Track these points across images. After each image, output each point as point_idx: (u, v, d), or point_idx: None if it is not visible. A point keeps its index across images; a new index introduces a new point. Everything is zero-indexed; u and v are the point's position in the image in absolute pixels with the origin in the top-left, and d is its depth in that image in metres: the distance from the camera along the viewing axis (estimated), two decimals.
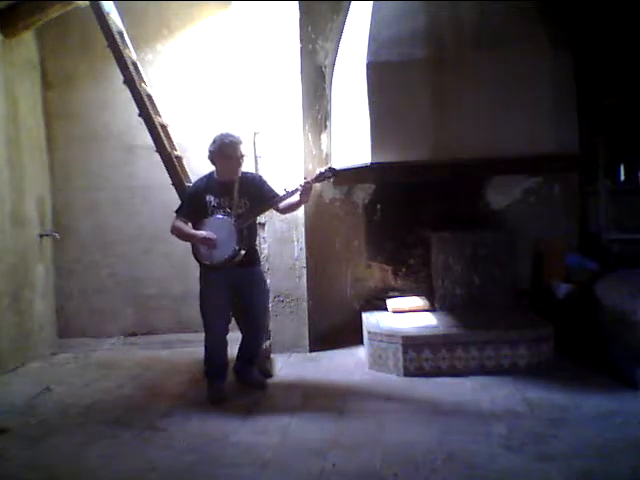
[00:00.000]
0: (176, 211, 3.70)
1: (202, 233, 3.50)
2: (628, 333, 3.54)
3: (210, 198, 3.58)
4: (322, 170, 3.54)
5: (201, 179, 3.70)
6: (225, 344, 3.68)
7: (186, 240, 3.63)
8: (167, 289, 5.18)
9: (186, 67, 5.09)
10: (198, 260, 3.62)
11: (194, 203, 3.62)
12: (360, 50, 4.15)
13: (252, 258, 3.69)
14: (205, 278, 3.64)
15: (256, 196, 3.63)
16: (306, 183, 3.50)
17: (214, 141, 3.59)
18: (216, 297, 3.60)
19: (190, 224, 3.61)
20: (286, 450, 2.86)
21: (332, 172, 3.50)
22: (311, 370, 4.12)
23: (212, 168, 3.68)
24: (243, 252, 3.51)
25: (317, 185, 4.51)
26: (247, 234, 3.55)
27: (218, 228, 3.50)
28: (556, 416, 3.10)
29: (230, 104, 4.84)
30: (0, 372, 4.27)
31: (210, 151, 3.60)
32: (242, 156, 3.62)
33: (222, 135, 3.60)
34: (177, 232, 3.61)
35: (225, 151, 3.55)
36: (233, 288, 3.63)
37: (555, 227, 4.76)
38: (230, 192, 3.58)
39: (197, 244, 3.55)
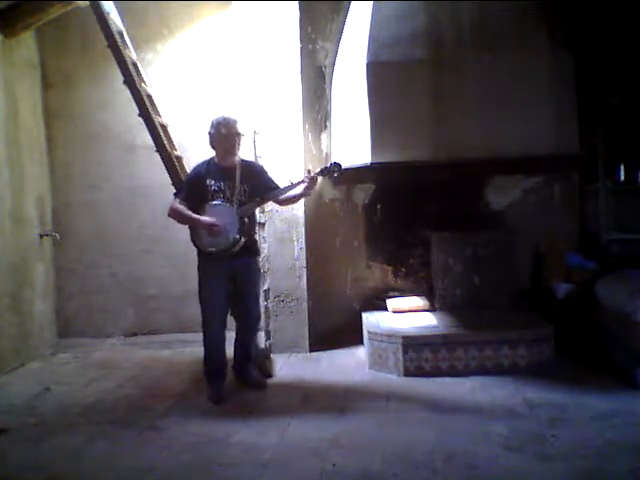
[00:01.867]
0: (175, 194, 3.68)
1: (207, 219, 3.47)
2: (628, 333, 3.54)
3: (211, 182, 3.57)
4: (327, 165, 3.57)
5: (201, 164, 3.69)
6: (223, 337, 3.68)
7: (187, 224, 3.60)
8: (167, 289, 5.18)
9: (186, 67, 5.09)
10: (197, 246, 3.60)
11: (194, 187, 3.60)
12: (360, 50, 4.15)
13: (251, 248, 3.69)
14: (204, 268, 3.62)
15: (257, 184, 3.64)
16: (311, 176, 3.52)
17: (211, 124, 3.63)
18: (214, 287, 3.58)
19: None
20: (286, 450, 2.86)
21: (337, 167, 3.52)
22: (311, 370, 4.12)
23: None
24: (243, 241, 3.52)
25: (317, 184, 4.53)
26: (248, 223, 3.56)
27: (219, 215, 3.48)
28: (556, 416, 3.10)
29: (230, 104, 4.82)
30: (0, 372, 4.27)
31: (209, 134, 3.62)
32: (239, 134, 3.62)
33: (217, 117, 3.64)
34: (177, 215, 3.58)
35: (221, 129, 3.57)
36: (230, 278, 3.62)
37: (555, 227, 4.76)
38: (231, 177, 3.57)
39: (200, 229, 3.52)
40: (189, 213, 3.54)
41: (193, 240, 3.61)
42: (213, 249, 3.52)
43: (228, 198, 3.55)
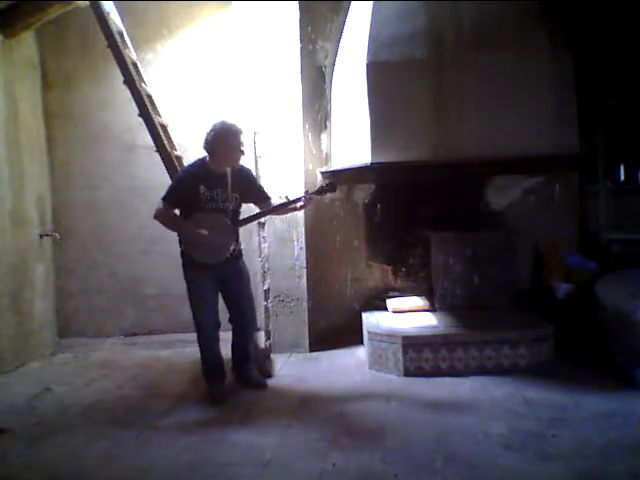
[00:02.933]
0: (164, 197, 3.52)
1: (199, 232, 3.41)
2: (628, 333, 3.54)
3: (203, 189, 3.47)
4: (323, 185, 3.58)
5: (193, 166, 3.58)
6: (217, 338, 3.67)
7: (175, 230, 3.53)
8: (167, 289, 5.17)
9: (186, 67, 5.09)
10: (187, 254, 3.52)
11: (186, 191, 3.48)
12: (360, 50, 4.15)
13: (238, 251, 3.68)
14: (192, 275, 3.56)
15: (247, 191, 3.62)
16: (309, 197, 3.54)
17: (213, 130, 3.48)
18: (205, 292, 3.56)
19: (177, 212, 3.55)
20: (286, 450, 2.86)
21: (332, 187, 3.55)
22: (311, 370, 4.12)
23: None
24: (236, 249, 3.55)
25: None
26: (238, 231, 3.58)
27: (213, 224, 3.43)
28: (556, 416, 3.10)
29: (230, 104, 4.84)
30: (0, 372, 4.27)
31: (209, 141, 3.48)
32: (244, 144, 3.57)
33: (222, 124, 3.50)
34: (167, 220, 3.49)
35: (230, 141, 3.46)
36: (219, 282, 3.61)
37: (555, 227, 4.76)
38: (223, 184, 3.51)
39: (193, 240, 3.44)
40: (182, 223, 3.49)
41: (184, 249, 3.54)
42: (211, 261, 3.48)
43: (219, 206, 3.50)
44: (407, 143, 4.04)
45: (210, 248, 3.45)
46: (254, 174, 3.81)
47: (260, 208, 3.71)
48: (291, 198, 3.59)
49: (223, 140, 3.47)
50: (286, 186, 4.30)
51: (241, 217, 3.64)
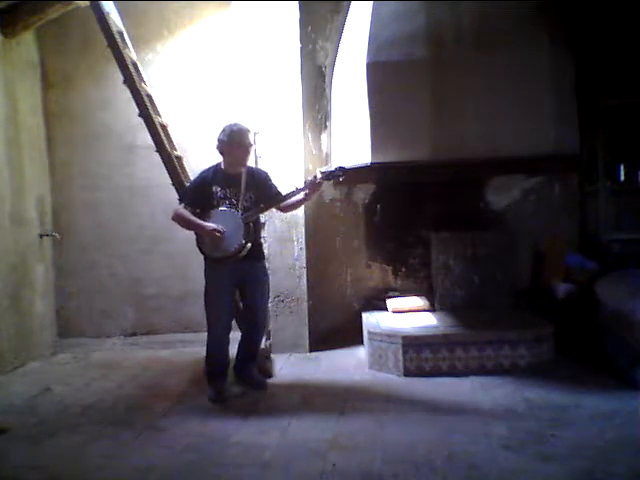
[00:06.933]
0: (180, 199, 3.70)
1: (211, 225, 3.48)
2: (628, 333, 3.54)
3: (216, 189, 3.57)
4: (332, 169, 3.51)
5: (207, 170, 3.68)
6: (227, 341, 3.68)
7: (190, 229, 3.61)
8: (167, 289, 5.18)
9: (186, 67, 5.09)
10: (202, 252, 3.61)
11: (200, 193, 3.60)
12: (360, 50, 4.15)
13: (257, 252, 3.69)
14: (210, 273, 3.63)
15: (262, 191, 3.65)
16: (317, 182, 3.51)
17: (223, 130, 3.60)
18: (220, 293, 3.59)
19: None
20: (286, 450, 2.86)
21: (342, 171, 3.47)
22: (311, 370, 4.13)
23: (213, 162, 3.68)
24: (249, 246, 3.52)
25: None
26: (253, 228, 3.56)
27: (224, 220, 3.49)
28: (556, 416, 3.10)
29: (230, 104, 4.83)
30: (0, 372, 4.27)
31: (219, 140, 3.59)
32: (250, 145, 3.64)
33: (231, 124, 3.62)
34: (181, 220, 3.59)
35: (234, 139, 3.55)
36: (237, 283, 3.65)
37: (555, 227, 4.76)
38: (237, 184, 3.58)
39: (203, 235, 3.53)
40: (193, 218, 3.54)
41: (199, 246, 3.61)
42: (219, 255, 3.52)
43: (234, 205, 3.55)
44: (407, 143, 4.04)
45: (216, 241, 3.48)
46: (269, 176, 3.78)
47: (275, 206, 3.73)
48: (299, 187, 3.57)
49: (227, 139, 3.56)
50: (286, 186, 4.30)
51: (262, 219, 3.65)
